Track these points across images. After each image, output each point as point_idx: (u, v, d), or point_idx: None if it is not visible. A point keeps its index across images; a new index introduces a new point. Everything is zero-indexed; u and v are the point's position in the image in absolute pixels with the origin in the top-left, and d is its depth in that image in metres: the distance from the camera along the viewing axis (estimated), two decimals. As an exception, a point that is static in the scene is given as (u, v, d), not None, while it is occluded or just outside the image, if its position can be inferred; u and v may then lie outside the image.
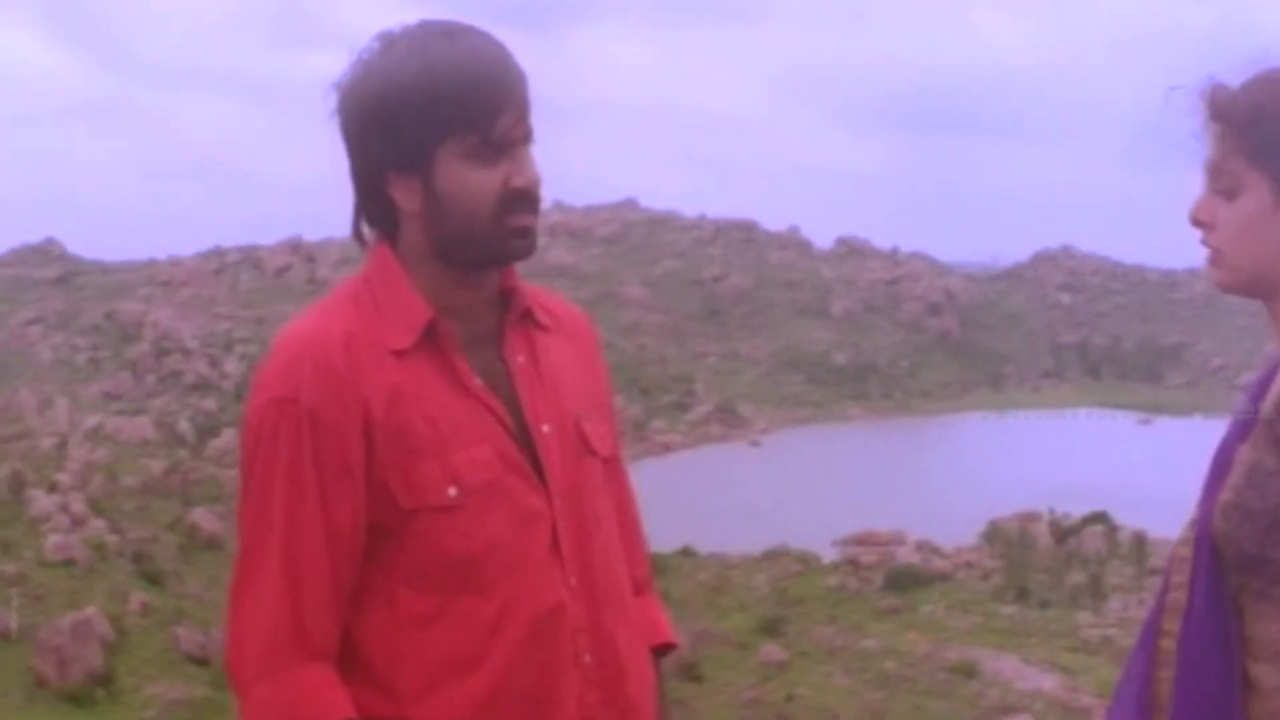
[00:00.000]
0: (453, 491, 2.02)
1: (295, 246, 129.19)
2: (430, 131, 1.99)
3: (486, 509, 2.04)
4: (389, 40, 2.02)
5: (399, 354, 2.04)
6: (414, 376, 2.04)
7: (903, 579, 50.43)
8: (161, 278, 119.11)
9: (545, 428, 2.11)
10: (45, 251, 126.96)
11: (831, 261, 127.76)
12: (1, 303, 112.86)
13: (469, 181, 2.02)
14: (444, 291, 2.09)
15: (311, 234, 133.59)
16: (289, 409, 1.99)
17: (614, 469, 2.28)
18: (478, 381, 2.08)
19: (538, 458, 2.09)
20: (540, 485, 2.08)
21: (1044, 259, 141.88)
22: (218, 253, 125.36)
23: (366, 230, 2.13)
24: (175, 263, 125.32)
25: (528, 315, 2.18)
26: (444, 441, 2.03)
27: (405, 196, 2.04)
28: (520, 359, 2.14)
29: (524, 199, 2.05)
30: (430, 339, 2.06)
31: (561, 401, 2.15)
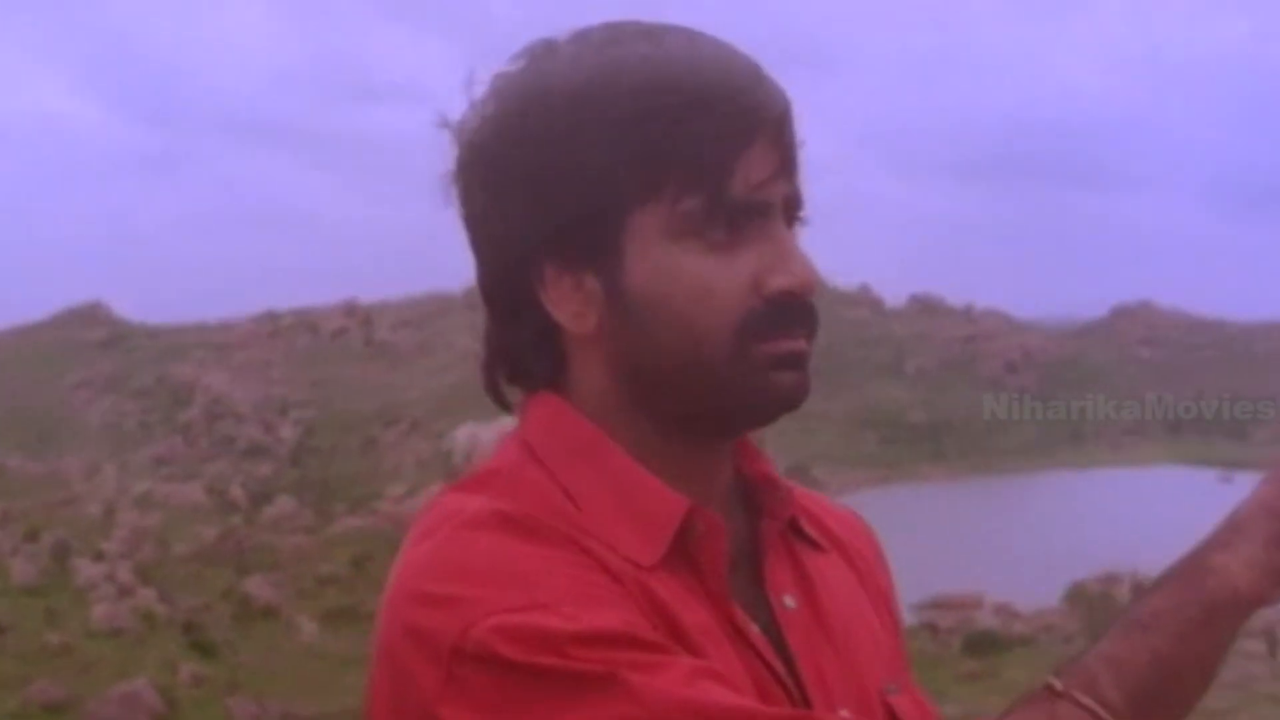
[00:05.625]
0: None
1: (350, 309, 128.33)
2: (616, 186, 1.11)
3: None
4: (551, 47, 1.15)
5: (646, 570, 1.15)
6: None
7: (982, 643, 49.47)
8: (214, 340, 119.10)
9: (844, 714, 1.21)
10: (90, 315, 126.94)
11: (905, 319, 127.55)
12: (47, 367, 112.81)
13: (689, 276, 1.12)
14: (661, 475, 1.20)
15: (367, 293, 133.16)
16: None
17: None
18: (756, 629, 1.19)
19: None
20: None
21: (1122, 314, 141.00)
22: (271, 316, 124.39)
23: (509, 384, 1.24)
24: (227, 326, 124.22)
25: (793, 525, 1.30)
26: None
27: (570, 309, 1.15)
28: (789, 598, 1.26)
29: (788, 309, 1.15)
30: (679, 550, 1.16)
31: (860, 669, 1.26)
